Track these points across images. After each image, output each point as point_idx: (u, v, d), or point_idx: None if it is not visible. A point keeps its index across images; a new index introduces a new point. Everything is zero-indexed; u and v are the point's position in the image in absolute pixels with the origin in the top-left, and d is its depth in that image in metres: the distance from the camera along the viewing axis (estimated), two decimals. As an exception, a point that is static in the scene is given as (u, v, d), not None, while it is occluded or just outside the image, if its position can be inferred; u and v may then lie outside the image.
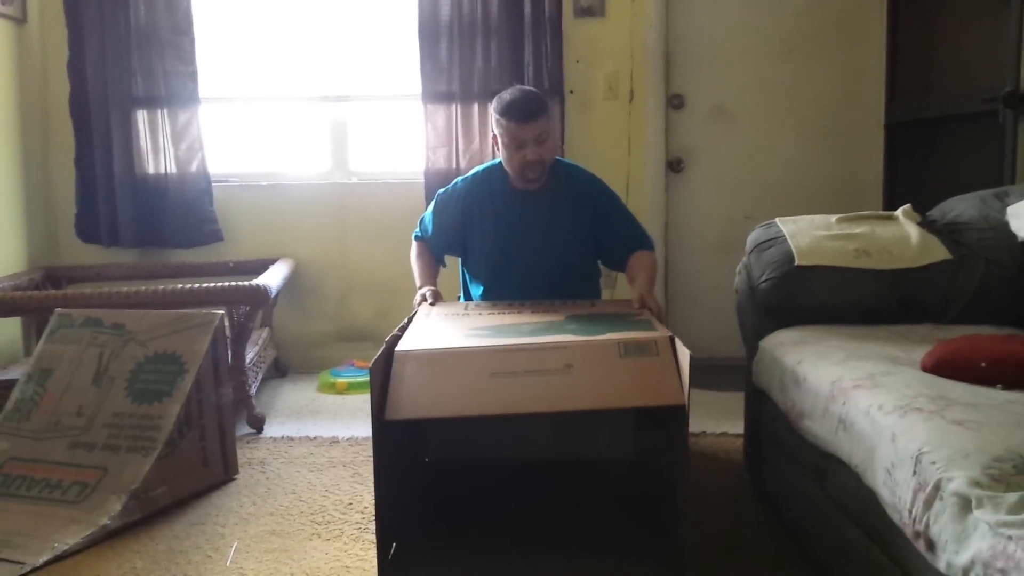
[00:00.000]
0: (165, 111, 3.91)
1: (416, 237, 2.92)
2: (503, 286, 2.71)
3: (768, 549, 2.13)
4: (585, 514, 2.28)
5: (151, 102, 3.91)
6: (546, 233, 2.71)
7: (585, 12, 3.88)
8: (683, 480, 1.92)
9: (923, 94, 3.58)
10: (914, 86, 3.66)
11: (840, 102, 3.96)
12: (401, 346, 2.00)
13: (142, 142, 3.93)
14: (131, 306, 2.88)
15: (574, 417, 2.45)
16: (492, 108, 2.65)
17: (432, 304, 2.55)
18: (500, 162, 2.74)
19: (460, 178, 2.86)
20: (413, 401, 1.89)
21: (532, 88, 2.89)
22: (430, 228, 2.85)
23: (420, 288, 2.71)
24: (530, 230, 2.71)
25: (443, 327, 2.26)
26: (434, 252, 2.87)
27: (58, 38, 3.90)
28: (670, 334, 2.01)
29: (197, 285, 3.07)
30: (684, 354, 1.86)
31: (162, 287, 3.03)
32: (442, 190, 2.86)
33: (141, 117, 3.92)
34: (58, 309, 2.79)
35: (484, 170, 2.81)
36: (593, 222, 2.74)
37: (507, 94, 2.62)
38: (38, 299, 3.07)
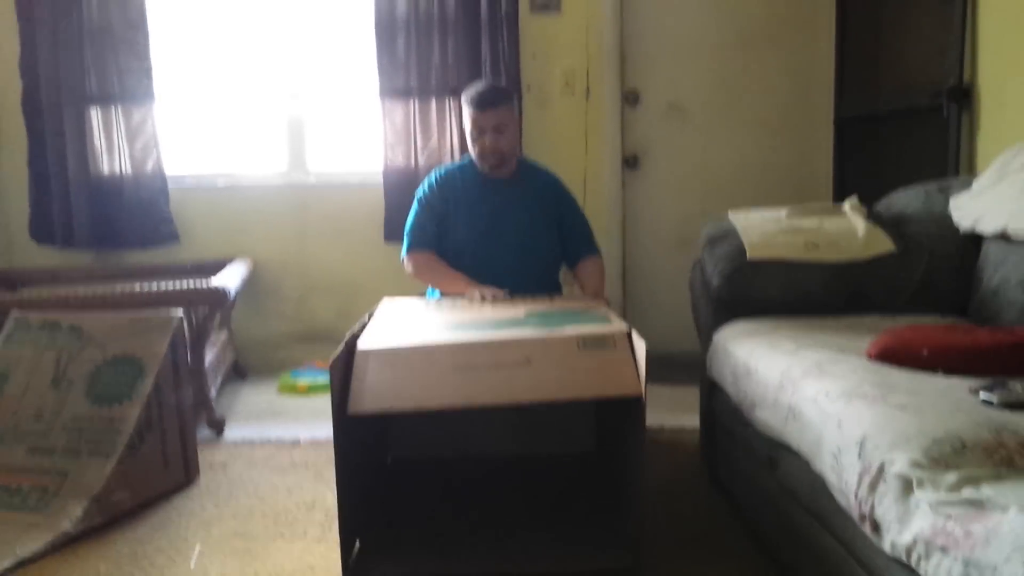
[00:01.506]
0: (119, 108, 3.87)
1: (410, 249, 2.88)
2: (476, 273, 2.77)
3: (723, 537, 2.19)
4: (546, 507, 2.32)
5: (105, 99, 3.87)
6: (516, 220, 2.84)
7: (541, 8, 3.91)
8: (640, 469, 1.96)
9: (871, 89, 3.66)
10: (862, 82, 3.74)
11: (791, 97, 4.04)
12: (362, 344, 2.02)
13: (96, 141, 3.90)
14: (88, 308, 2.86)
15: (535, 413, 2.49)
16: (462, 98, 2.83)
17: (491, 301, 2.57)
18: (470, 158, 2.90)
19: (433, 172, 2.95)
20: (376, 395, 1.91)
21: (501, 85, 3.00)
22: (426, 229, 2.87)
23: (467, 287, 2.68)
24: (501, 217, 2.83)
25: (404, 324, 2.28)
26: (438, 251, 2.89)
27: (9, 34, 3.85)
28: (627, 328, 2.05)
29: (155, 286, 3.06)
30: (641, 346, 1.90)
31: (119, 288, 3.01)
32: (419, 191, 2.92)
33: (95, 115, 3.88)
34: (14, 312, 2.76)
35: (457, 165, 2.95)
36: (556, 216, 2.90)
37: (475, 84, 2.87)
38: (-7, 303, 3.03)
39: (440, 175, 2.92)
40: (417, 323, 2.29)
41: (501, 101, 2.79)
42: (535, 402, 1.96)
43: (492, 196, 2.86)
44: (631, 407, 1.92)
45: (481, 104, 2.75)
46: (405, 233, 2.91)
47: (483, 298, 2.59)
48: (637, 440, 1.96)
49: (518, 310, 2.38)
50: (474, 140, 2.80)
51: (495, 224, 2.84)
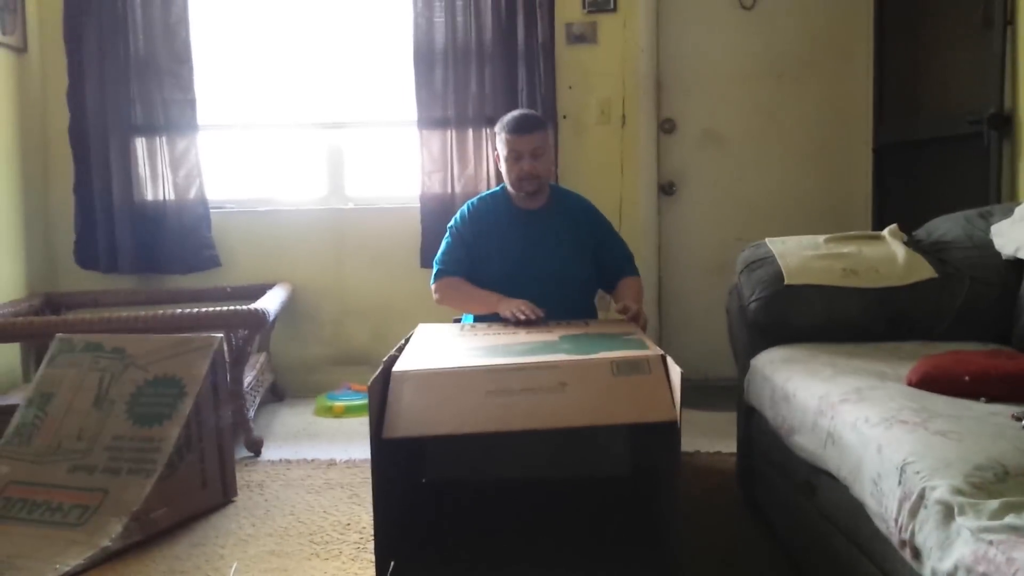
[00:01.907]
0: (164, 138, 3.96)
1: (438, 276, 2.85)
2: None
3: (761, 562, 2.16)
4: (582, 531, 2.31)
5: (150, 130, 3.96)
6: (549, 250, 2.82)
7: (577, 39, 3.95)
8: (676, 493, 1.95)
9: (910, 116, 3.64)
10: (901, 108, 3.73)
11: (829, 125, 4.03)
12: (398, 366, 2.04)
13: (141, 169, 3.98)
14: (131, 331, 2.91)
15: (570, 436, 2.49)
16: (496, 127, 2.83)
17: (531, 320, 2.54)
18: (503, 188, 2.89)
19: (465, 204, 2.94)
20: (410, 420, 1.93)
21: (536, 112, 3.03)
22: (455, 258, 2.85)
23: (498, 304, 2.65)
24: (534, 247, 2.82)
25: (439, 348, 2.30)
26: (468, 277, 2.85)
27: (58, 67, 3.96)
28: (661, 352, 2.05)
29: (196, 310, 3.11)
30: (676, 372, 1.90)
31: (161, 312, 3.07)
32: (452, 222, 2.92)
33: (140, 144, 3.97)
34: (59, 334, 2.82)
35: (489, 194, 2.96)
36: (591, 242, 2.88)
37: (510, 113, 2.87)
38: (38, 325, 3.11)
39: (472, 206, 2.91)
40: (452, 347, 2.30)
41: (538, 126, 2.80)
42: (569, 427, 1.96)
43: (525, 227, 2.84)
44: (666, 431, 1.91)
45: (519, 129, 2.75)
46: (435, 262, 2.88)
47: (517, 315, 2.54)
48: (673, 465, 1.95)
49: (552, 334, 2.39)
50: (511, 165, 2.78)
51: (529, 255, 2.81)
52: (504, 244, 2.83)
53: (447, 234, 2.91)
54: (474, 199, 2.96)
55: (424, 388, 1.99)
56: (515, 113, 2.85)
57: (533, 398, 1.94)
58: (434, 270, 2.88)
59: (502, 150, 2.80)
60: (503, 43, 3.85)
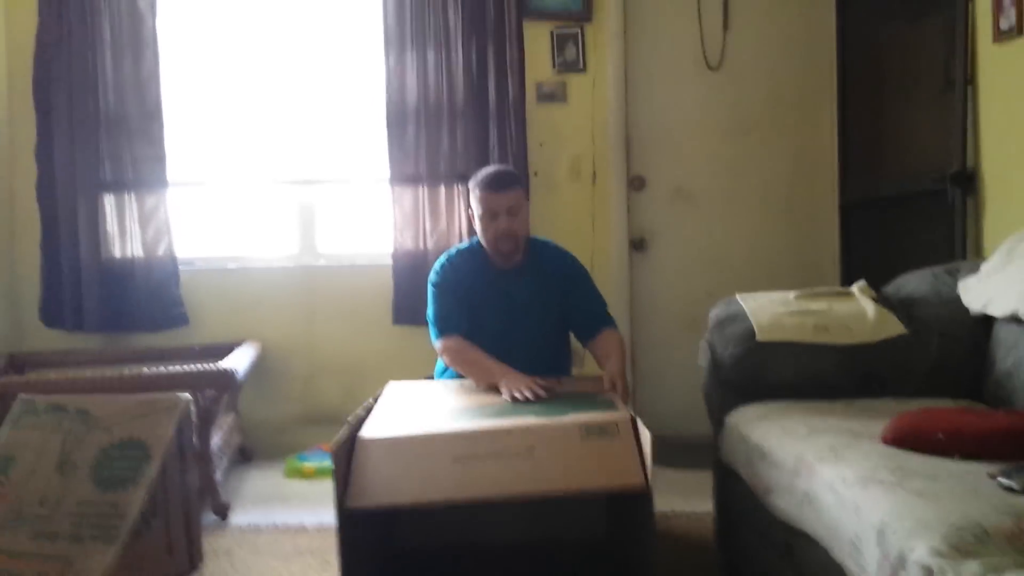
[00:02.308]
0: (133, 195, 3.93)
1: (441, 335, 2.75)
2: None
3: (740, 627, 2.13)
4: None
5: (119, 186, 3.93)
6: (521, 311, 2.78)
7: (547, 97, 4.00)
8: (651, 562, 1.92)
9: (874, 174, 3.70)
10: (866, 166, 3.79)
11: (796, 181, 4.09)
12: (364, 432, 2.01)
13: (109, 226, 3.94)
14: (96, 391, 2.85)
15: (542, 499, 2.45)
16: (470, 184, 2.79)
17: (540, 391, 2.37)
18: (477, 242, 2.84)
19: (442, 258, 2.88)
20: (375, 489, 1.91)
21: (509, 168, 2.98)
22: (451, 312, 2.75)
23: (502, 378, 2.47)
24: (509, 308, 2.78)
25: (407, 409, 2.28)
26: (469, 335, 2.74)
27: (27, 123, 3.92)
28: (631, 415, 2.03)
29: (163, 369, 3.06)
30: (646, 436, 1.89)
31: (127, 371, 3.02)
32: (433, 278, 2.82)
33: (108, 201, 3.94)
34: (21, 395, 2.75)
35: (465, 249, 2.89)
36: (564, 299, 2.83)
37: (483, 169, 2.84)
38: (0, 385, 3.03)
39: (450, 260, 2.85)
40: (421, 408, 2.28)
41: (513, 183, 2.76)
42: (537, 495, 1.93)
43: (500, 288, 2.79)
44: (639, 494, 1.89)
45: (493, 186, 2.71)
46: (430, 322, 2.79)
47: (516, 396, 2.35)
48: (647, 533, 1.93)
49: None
50: (486, 224, 2.72)
51: (503, 316, 2.77)
52: (480, 304, 2.78)
53: (432, 290, 2.81)
54: (450, 252, 2.90)
55: (389, 455, 1.97)
56: (489, 170, 2.83)
57: (500, 463, 1.92)
58: (433, 331, 2.77)
59: (476, 208, 2.75)
60: (475, 101, 3.89)
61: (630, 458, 1.91)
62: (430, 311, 2.80)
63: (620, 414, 2.07)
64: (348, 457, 1.93)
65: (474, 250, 2.86)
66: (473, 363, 2.64)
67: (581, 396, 2.36)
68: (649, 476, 1.85)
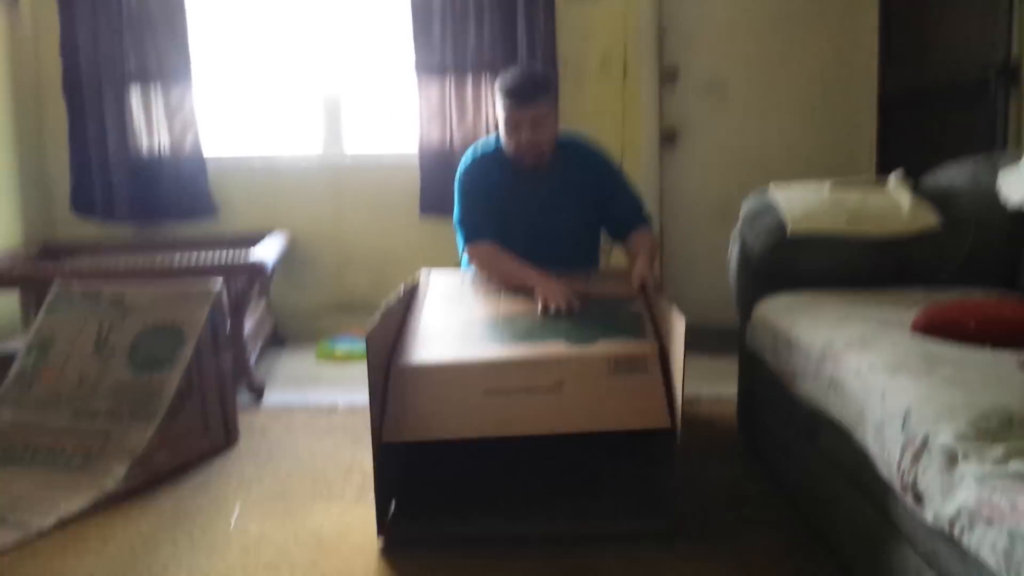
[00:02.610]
0: (158, 87, 3.91)
1: (469, 241, 2.69)
2: None
3: (762, 507, 2.18)
4: (584, 474, 2.31)
5: (144, 79, 3.91)
6: (550, 213, 2.72)
7: (579, -11, 3.88)
8: (675, 495, 1.98)
9: (916, 66, 3.59)
10: (907, 58, 3.68)
11: (834, 73, 3.97)
12: (400, 358, 2.08)
13: (135, 119, 3.94)
14: (130, 278, 2.90)
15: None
16: (496, 84, 2.64)
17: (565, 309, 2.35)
18: (501, 142, 2.72)
19: (466, 157, 2.78)
20: (410, 422, 2.00)
21: (539, 69, 2.78)
22: (477, 217, 2.67)
23: (537, 285, 2.44)
24: (533, 209, 2.71)
25: (440, 320, 2.32)
26: (494, 238, 2.68)
27: (50, 18, 3.89)
28: (657, 345, 2.08)
29: (195, 258, 3.09)
30: (679, 321, 1.90)
31: (159, 259, 3.05)
32: (459, 178, 2.73)
33: (135, 93, 3.92)
34: (57, 281, 2.80)
35: (491, 147, 2.75)
36: (596, 199, 2.75)
37: (511, 71, 2.63)
38: (36, 272, 3.09)
39: (475, 159, 2.75)
40: (454, 319, 2.31)
41: (540, 94, 2.56)
42: (565, 432, 1.99)
43: (528, 189, 2.70)
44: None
45: (517, 97, 2.54)
46: (457, 226, 2.73)
47: (550, 306, 2.34)
48: (674, 469, 1.98)
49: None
50: (509, 133, 2.60)
51: (533, 219, 2.71)
52: (507, 206, 2.71)
53: (459, 192, 2.73)
54: (476, 148, 2.80)
55: (424, 384, 2.05)
56: (515, 75, 2.61)
57: (529, 399, 1.99)
58: (460, 235, 2.72)
59: (500, 114, 2.62)
60: (502, -2, 3.77)
61: (657, 396, 1.98)
62: (457, 214, 2.74)
63: (648, 346, 2.10)
64: (383, 340, 2.02)
65: (498, 151, 2.73)
66: (505, 271, 2.59)
67: (610, 307, 2.36)
68: (677, 414, 1.90)
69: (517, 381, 2.02)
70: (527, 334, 2.20)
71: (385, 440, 1.96)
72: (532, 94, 2.55)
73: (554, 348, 2.11)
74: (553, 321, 2.29)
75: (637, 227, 2.75)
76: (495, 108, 2.70)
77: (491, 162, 2.72)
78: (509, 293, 2.51)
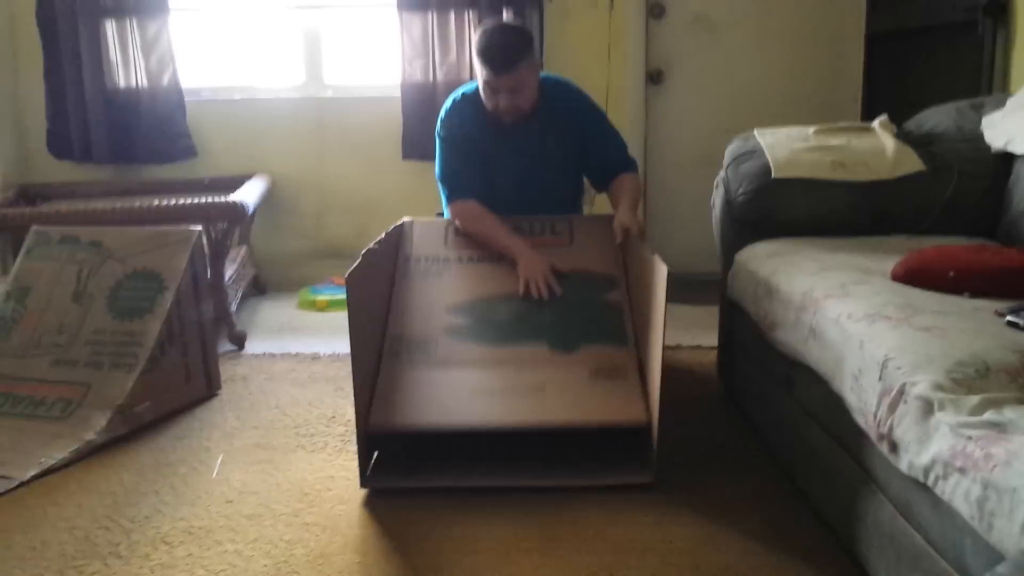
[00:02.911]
0: (134, 21, 3.81)
1: (452, 198, 2.63)
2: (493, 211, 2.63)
3: (740, 454, 2.20)
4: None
5: (119, 11, 3.81)
6: (531, 162, 2.66)
7: (564, -82, 3.78)
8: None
9: (904, 3, 3.53)
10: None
11: (821, 11, 3.91)
12: (386, 359, 2.21)
13: (112, 54, 3.85)
14: (108, 223, 2.86)
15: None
16: (473, 41, 2.52)
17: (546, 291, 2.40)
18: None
19: (448, 103, 2.69)
20: (397, 411, 2.09)
21: (516, 27, 2.65)
22: (461, 171, 2.61)
23: (520, 257, 2.46)
24: (515, 156, 2.66)
25: (428, 298, 2.40)
26: (478, 195, 2.62)
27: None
28: (634, 352, 2.20)
29: (174, 201, 3.05)
30: (661, 271, 1.89)
31: (138, 203, 3.01)
32: (440, 130, 2.66)
33: (110, 28, 3.83)
34: (35, 227, 2.77)
35: (471, 95, 2.65)
36: (580, 146, 2.69)
37: (488, 34, 2.49)
38: (13, 216, 3.05)
39: (456, 108, 2.66)
40: (435, 298, 2.39)
41: (516, 61, 2.45)
42: (546, 427, 2.08)
43: (510, 140, 2.63)
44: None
45: (496, 67, 2.44)
46: (439, 180, 2.67)
47: (531, 289, 2.39)
48: (647, 462, 2.05)
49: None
50: (487, 96, 2.52)
51: (516, 170, 2.66)
52: (488, 157, 2.65)
53: (440, 144, 2.66)
54: (455, 97, 2.69)
55: (412, 381, 2.17)
56: (492, 39, 2.47)
57: (514, 399, 2.12)
58: (443, 190, 2.66)
59: (478, 74, 2.53)
60: (487, -77, 3.67)
61: (635, 398, 2.09)
62: (438, 168, 2.67)
63: (626, 355, 2.23)
64: (363, 283, 2.05)
65: (477, 101, 2.62)
66: (488, 235, 2.56)
67: (590, 295, 2.41)
68: (654, 412, 1.95)
69: (501, 383, 2.16)
70: (511, 334, 2.30)
71: (373, 422, 2.05)
72: (510, 62, 2.45)
73: (537, 352, 2.25)
74: (536, 313, 2.35)
75: (619, 172, 2.71)
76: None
77: (472, 110, 2.64)
78: (491, 259, 2.52)
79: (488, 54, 2.45)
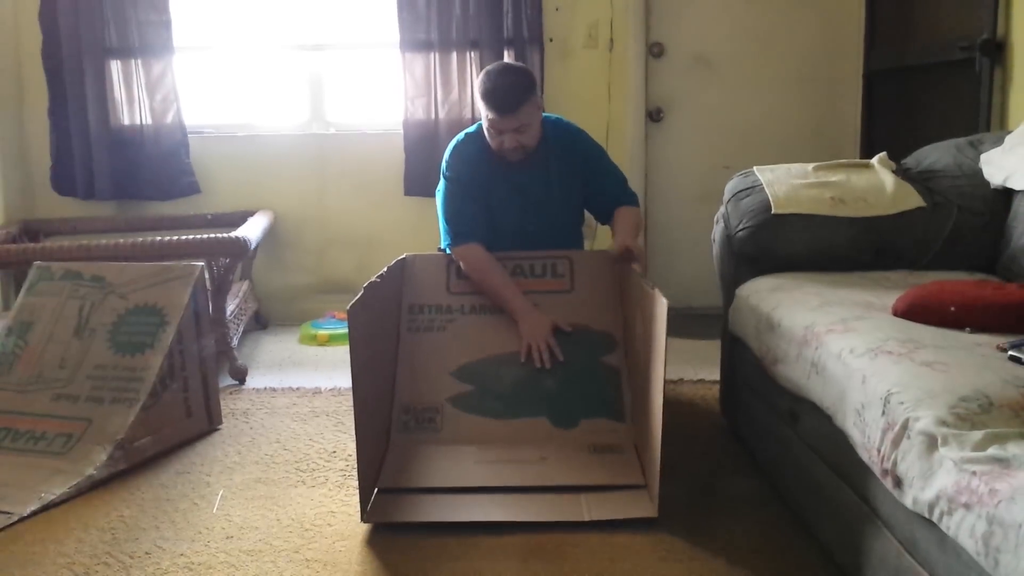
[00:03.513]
0: (139, 61, 3.86)
1: (456, 241, 2.62)
2: (496, 247, 2.65)
3: (743, 490, 2.19)
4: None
5: (124, 52, 3.85)
6: (534, 198, 2.68)
7: (565, -41, 3.84)
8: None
9: (902, 42, 3.58)
10: (893, 34, 3.66)
11: (820, 50, 3.96)
12: (395, 432, 2.36)
13: (116, 93, 3.89)
14: (111, 258, 2.87)
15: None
16: (476, 84, 2.53)
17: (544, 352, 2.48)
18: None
19: (452, 144, 2.70)
20: (403, 475, 2.19)
21: (518, 67, 2.67)
22: (465, 213, 2.61)
23: (520, 321, 2.51)
24: (518, 196, 2.67)
25: (427, 358, 2.50)
26: (482, 237, 2.64)
27: (29, -14, 3.82)
28: (632, 428, 2.33)
29: (176, 237, 3.07)
30: (662, 304, 1.89)
31: (141, 239, 3.02)
32: (444, 170, 2.66)
33: (115, 67, 3.87)
34: (37, 262, 2.78)
35: (474, 137, 2.68)
36: (581, 181, 2.71)
37: (491, 76, 2.51)
38: (16, 252, 3.05)
39: (459, 150, 2.67)
40: (439, 359, 2.49)
41: (520, 102, 2.47)
42: (547, 487, 2.14)
43: (514, 180, 2.65)
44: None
45: (501, 108, 2.46)
46: (442, 222, 2.66)
47: (533, 355, 2.46)
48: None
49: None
50: (492, 136, 2.54)
51: (519, 209, 2.67)
52: (492, 197, 2.66)
53: (444, 185, 2.67)
54: (459, 139, 2.71)
55: (417, 454, 2.29)
56: (497, 81, 2.49)
57: (516, 467, 2.22)
58: (446, 230, 2.65)
59: (482, 114, 2.55)
60: (488, -37, 3.73)
61: (633, 468, 2.19)
62: (441, 209, 2.67)
63: (624, 431, 2.36)
64: (365, 317, 2.08)
65: (480, 141, 2.65)
66: (491, 287, 2.57)
67: (590, 358, 2.50)
68: (656, 448, 1.97)
69: (504, 456, 2.27)
70: (513, 405, 2.42)
71: (379, 487, 2.12)
72: (515, 103, 2.47)
73: (538, 426, 2.37)
74: (537, 380, 2.45)
75: (622, 204, 2.72)
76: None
77: (476, 148, 2.65)
78: (493, 310, 2.58)
79: (493, 96, 2.47)
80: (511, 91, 2.48)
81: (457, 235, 2.62)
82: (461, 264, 2.62)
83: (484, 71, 2.56)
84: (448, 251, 2.67)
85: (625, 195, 2.75)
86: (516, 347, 2.50)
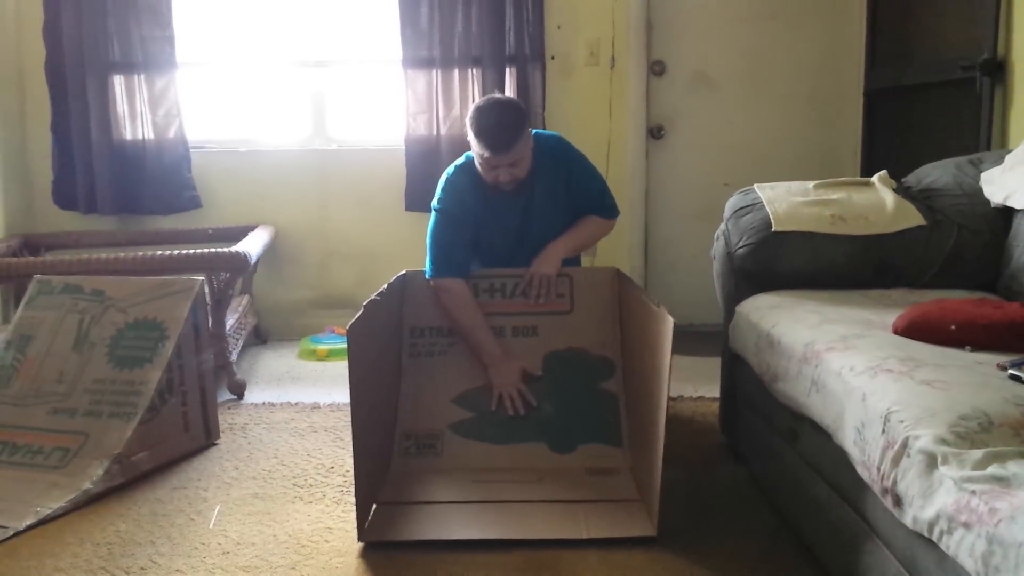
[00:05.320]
0: (142, 76, 3.87)
1: (437, 274, 2.61)
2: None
3: (743, 508, 2.18)
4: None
5: (128, 67, 3.87)
6: (525, 220, 2.68)
7: (566, -23, 3.86)
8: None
9: (902, 61, 3.59)
10: (893, 53, 3.67)
11: (820, 69, 3.98)
12: (395, 462, 2.38)
13: (119, 107, 3.90)
14: (111, 272, 2.87)
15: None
16: (467, 119, 2.53)
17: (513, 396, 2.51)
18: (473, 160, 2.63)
19: (445, 175, 2.69)
20: (403, 492, 2.23)
21: (510, 103, 2.64)
22: (451, 247, 2.62)
23: (491, 368, 2.54)
24: (509, 220, 2.67)
25: (429, 384, 2.53)
26: (465, 272, 2.65)
27: (33, 2, 3.84)
28: (628, 454, 2.38)
29: (177, 251, 3.07)
30: (668, 323, 1.89)
31: (142, 253, 3.02)
32: (435, 202, 2.65)
33: (118, 82, 3.88)
34: (37, 276, 2.78)
35: (464, 167, 2.66)
36: (565, 194, 2.69)
37: (484, 114, 2.48)
38: (17, 266, 3.05)
39: (451, 181, 2.65)
40: (440, 387, 2.53)
41: (514, 140, 2.46)
42: (546, 501, 2.18)
43: (506, 208, 2.64)
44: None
45: (495, 147, 2.45)
46: (429, 250, 2.64)
47: (505, 404, 2.49)
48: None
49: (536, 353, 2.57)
50: (485, 171, 2.54)
51: (513, 233, 2.68)
52: (485, 225, 2.66)
53: (434, 216, 2.64)
54: (449, 171, 2.69)
55: (417, 477, 2.32)
56: (490, 119, 2.46)
57: (513, 486, 2.26)
58: (430, 260, 2.63)
59: (474, 150, 2.53)
60: (490, -19, 3.75)
61: (631, 491, 2.22)
62: (430, 238, 2.65)
63: (620, 456, 2.39)
64: (364, 334, 2.07)
65: (471, 172, 2.63)
66: (465, 327, 2.58)
67: (585, 383, 2.53)
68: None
69: (502, 477, 2.30)
70: (511, 430, 2.45)
71: (380, 501, 2.15)
72: (509, 143, 2.46)
73: (536, 450, 2.41)
74: (533, 418, 2.48)
75: (593, 213, 2.71)
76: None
77: (468, 179, 2.64)
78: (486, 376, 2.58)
79: (487, 136, 2.45)
80: (506, 130, 2.46)
81: (438, 267, 2.61)
82: (440, 296, 2.62)
83: (475, 107, 2.53)
84: (429, 278, 2.65)
85: (598, 206, 2.72)
86: None
